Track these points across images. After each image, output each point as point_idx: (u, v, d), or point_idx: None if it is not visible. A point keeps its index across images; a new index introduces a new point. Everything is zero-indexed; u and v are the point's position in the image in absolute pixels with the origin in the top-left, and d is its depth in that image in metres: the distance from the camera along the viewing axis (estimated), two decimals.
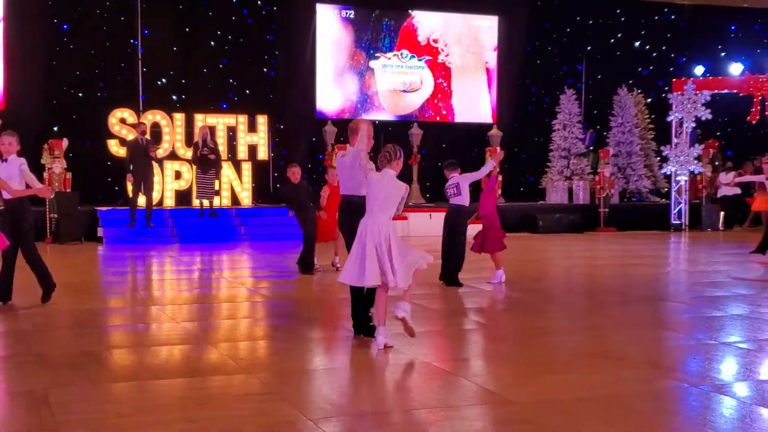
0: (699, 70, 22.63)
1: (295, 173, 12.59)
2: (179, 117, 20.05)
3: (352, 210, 7.48)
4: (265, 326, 8.52)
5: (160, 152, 19.14)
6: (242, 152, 20.46)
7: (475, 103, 23.94)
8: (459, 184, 11.16)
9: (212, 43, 21.67)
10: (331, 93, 22.65)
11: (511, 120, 24.27)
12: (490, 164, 11.55)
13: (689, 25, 25.91)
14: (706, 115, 21.55)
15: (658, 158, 23.98)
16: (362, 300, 7.51)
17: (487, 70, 24.11)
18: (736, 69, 21.68)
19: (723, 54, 25.65)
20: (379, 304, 7.12)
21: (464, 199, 11.14)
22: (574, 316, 9.19)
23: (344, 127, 21.31)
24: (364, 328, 7.51)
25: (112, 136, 19.45)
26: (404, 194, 7.35)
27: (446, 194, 11.36)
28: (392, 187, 7.22)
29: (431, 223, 19.61)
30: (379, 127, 23.15)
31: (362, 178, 7.52)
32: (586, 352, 7.12)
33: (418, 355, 6.93)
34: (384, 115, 23.15)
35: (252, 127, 20.58)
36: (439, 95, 23.69)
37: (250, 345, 7.52)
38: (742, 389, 5.88)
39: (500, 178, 21.88)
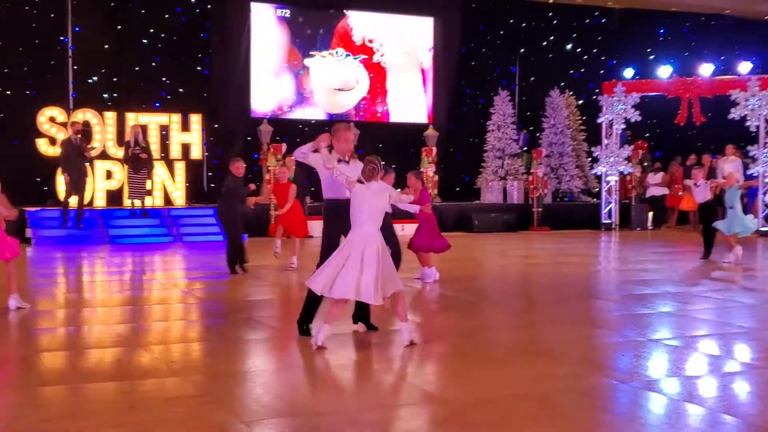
0: (628, 72, 23.02)
1: (239, 168, 12.45)
2: (110, 116, 19.69)
3: (337, 214, 7.51)
4: (199, 328, 8.42)
5: (92, 152, 18.76)
6: (175, 151, 20.18)
7: (410, 103, 24.00)
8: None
9: (145, 40, 21.32)
10: (267, 92, 22.47)
11: (446, 120, 24.41)
12: (415, 208, 10.74)
13: (619, 28, 26.39)
14: (635, 116, 21.96)
15: (589, 159, 24.34)
16: (316, 305, 7.52)
17: (422, 71, 24.20)
18: (664, 71, 22.08)
19: (652, 57, 26.17)
20: (337, 306, 7.10)
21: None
22: (509, 315, 9.28)
23: (279, 126, 21.33)
24: (306, 330, 7.51)
25: (41, 135, 19.01)
26: (388, 203, 7.43)
27: None
28: (376, 200, 7.22)
29: None
30: (315, 127, 23.12)
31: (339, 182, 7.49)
32: (520, 350, 7.19)
33: (353, 356, 6.92)
34: (320, 114, 23.07)
35: (185, 126, 20.32)
36: (375, 95, 23.69)
37: (183, 347, 7.41)
38: (670, 386, 6.00)
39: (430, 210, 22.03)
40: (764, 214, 20.54)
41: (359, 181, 7.43)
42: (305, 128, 23.11)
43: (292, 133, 22.46)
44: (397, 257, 11.03)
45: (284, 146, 20.18)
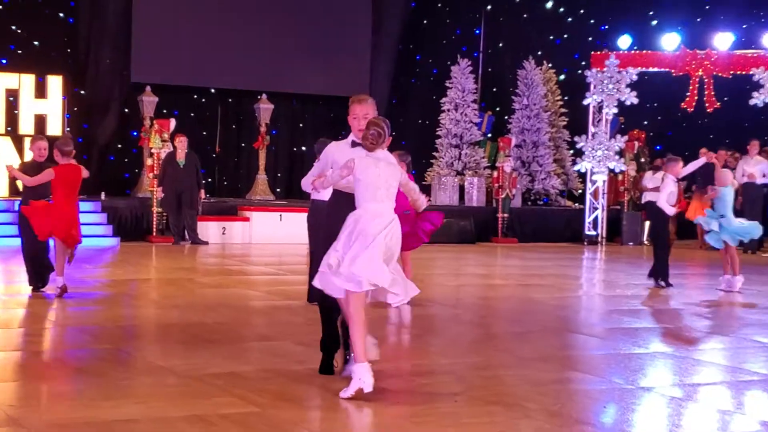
0: (624, 41, 23.33)
1: (41, 149, 11.82)
2: None
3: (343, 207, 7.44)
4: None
5: None
6: (27, 124, 19.87)
7: (340, 71, 23.88)
8: None
9: None
10: (154, 50, 22.11)
11: (388, 95, 24.45)
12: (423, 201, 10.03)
13: None
14: (631, 98, 22.24)
15: (571, 151, 24.61)
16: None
17: (359, 32, 24.10)
18: (669, 42, 22.45)
19: (654, 22, 26.57)
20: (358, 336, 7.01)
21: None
22: (461, 351, 9.29)
23: (167, 95, 21.09)
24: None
25: None
26: (402, 178, 7.23)
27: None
28: (387, 172, 7.11)
29: (282, 227, 19.54)
30: (216, 98, 22.95)
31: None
32: (474, 396, 7.20)
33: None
34: (223, 82, 22.85)
35: (41, 92, 20.00)
36: (294, 60, 23.47)
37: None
38: None
39: None
40: None
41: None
42: (201, 99, 22.95)
43: (184, 104, 22.28)
44: None
45: (173, 121, 19.95)
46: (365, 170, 7.06)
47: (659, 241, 14.50)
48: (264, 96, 22.16)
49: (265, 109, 21.93)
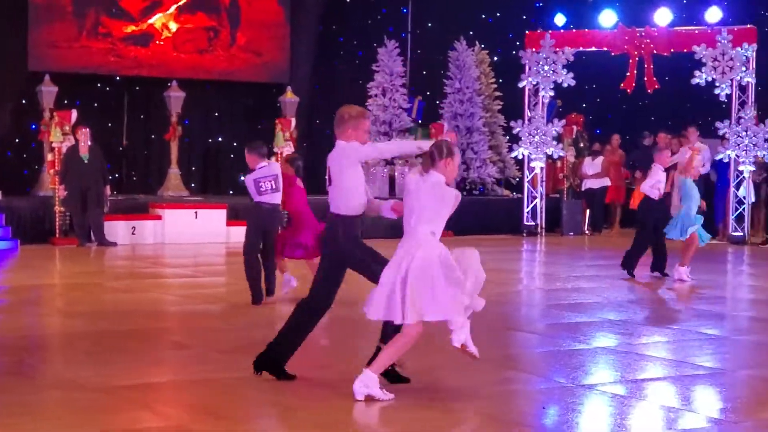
0: (559, 19, 23.47)
1: None
2: None
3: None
4: None
5: None
6: None
7: (257, 54, 23.78)
8: (278, 176, 11.83)
9: None
10: (52, 35, 21.86)
11: (309, 80, 24.38)
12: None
13: None
14: (568, 80, 22.38)
15: (507, 137, 24.73)
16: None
17: (276, 11, 24.05)
18: (606, 19, 22.62)
19: None
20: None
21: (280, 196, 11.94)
22: None
23: (68, 84, 20.84)
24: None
25: None
26: (454, 204, 7.24)
27: (257, 188, 11.52)
28: (432, 195, 7.18)
29: (198, 225, 19.41)
30: (121, 86, 22.73)
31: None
32: (409, 398, 7.24)
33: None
34: (129, 68, 22.64)
35: None
36: (206, 44, 23.33)
37: None
38: None
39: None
40: (736, 215, 21.17)
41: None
42: (105, 87, 22.73)
43: (86, 94, 22.02)
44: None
45: (74, 112, 19.72)
46: (405, 189, 7.38)
47: (643, 233, 14.68)
48: (174, 83, 21.96)
49: (175, 97, 21.72)
